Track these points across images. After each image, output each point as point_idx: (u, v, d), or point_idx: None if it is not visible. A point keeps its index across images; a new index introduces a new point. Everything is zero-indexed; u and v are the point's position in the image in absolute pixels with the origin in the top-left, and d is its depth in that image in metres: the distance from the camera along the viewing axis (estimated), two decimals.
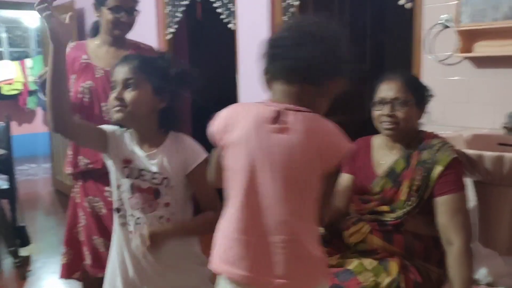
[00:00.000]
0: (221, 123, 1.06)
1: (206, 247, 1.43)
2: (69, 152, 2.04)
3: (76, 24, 4.31)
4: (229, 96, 3.49)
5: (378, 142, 1.77)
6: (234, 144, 1.00)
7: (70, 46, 2.11)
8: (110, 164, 1.53)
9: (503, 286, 1.64)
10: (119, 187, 1.49)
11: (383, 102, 1.66)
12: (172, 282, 1.51)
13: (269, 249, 0.95)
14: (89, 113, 1.98)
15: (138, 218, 1.47)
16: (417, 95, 1.67)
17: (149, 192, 1.46)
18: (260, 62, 1.12)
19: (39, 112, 7.56)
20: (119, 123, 1.51)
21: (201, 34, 4.32)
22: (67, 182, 4.15)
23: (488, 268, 1.67)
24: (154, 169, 1.46)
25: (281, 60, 1.06)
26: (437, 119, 2.27)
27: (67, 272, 2.04)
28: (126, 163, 1.48)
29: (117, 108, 1.42)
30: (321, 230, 1.75)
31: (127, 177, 1.47)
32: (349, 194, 1.78)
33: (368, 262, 1.53)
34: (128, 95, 1.42)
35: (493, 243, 1.87)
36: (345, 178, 1.80)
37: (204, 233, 1.47)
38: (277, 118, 1.02)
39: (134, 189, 1.47)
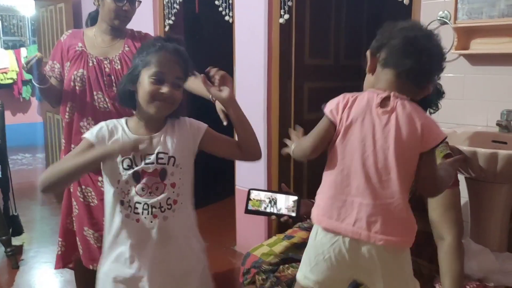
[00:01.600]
0: (341, 103, 1.19)
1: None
2: (63, 141, 2.03)
3: (72, 14, 4.29)
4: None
5: None
6: (350, 122, 1.14)
7: (67, 34, 2.10)
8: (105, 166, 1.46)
9: (494, 282, 1.66)
10: (119, 181, 1.44)
11: None
12: (172, 270, 1.50)
13: (376, 210, 1.10)
14: (81, 101, 1.97)
15: (145, 204, 1.44)
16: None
17: (155, 175, 1.44)
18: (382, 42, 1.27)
19: (34, 102, 7.52)
20: (156, 116, 1.47)
21: (198, 27, 4.30)
22: None
23: (479, 264, 1.68)
24: (160, 149, 1.45)
25: (410, 60, 1.17)
26: (431, 116, 2.27)
27: (62, 263, 2.04)
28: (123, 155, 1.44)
29: (165, 105, 1.43)
30: None
31: (129, 167, 1.43)
32: None
33: None
34: (177, 93, 1.44)
35: (484, 239, 1.89)
36: None
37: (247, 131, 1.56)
38: (385, 102, 1.17)
39: (140, 175, 1.44)
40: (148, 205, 1.44)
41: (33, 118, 7.35)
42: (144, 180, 1.43)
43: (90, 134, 1.44)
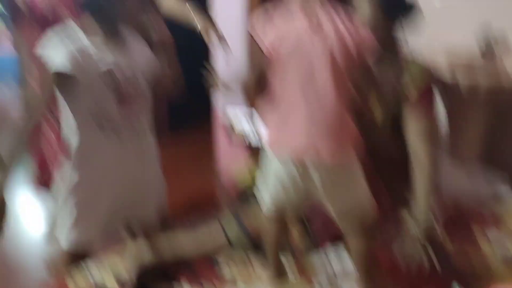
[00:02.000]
0: (270, 31, 1.15)
1: None
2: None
3: None
4: (202, 61, 3.35)
5: None
6: (283, 49, 1.12)
7: None
8: (83, 89, 1.39)
9: (463, 193, 1.72)
10: (98, 102, 1.39)
11: None
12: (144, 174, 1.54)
13: (320, 131, 1.12)
14: (44, 19, 1.91)
15: (125, 120, 1.44)
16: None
17: (132, 90, 1.44)
18: None
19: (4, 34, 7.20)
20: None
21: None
22: None
23: (451, 176, 1.73)
24: (133, 64, 1.44)
25: None
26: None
27: (39, 182, 2.06)
28: (107, 73, 1.40)
29: None
30: None
31: (112, 85, 1.40)
32: None
33: None
34: None
35: (457, 151, 1.93)
36: None
37: None
38: (314, 17, 1.13)
39: (120, 95, 1.41)
40: (129, 121, 1.45)
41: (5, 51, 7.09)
42: (123, 96, 1.42)
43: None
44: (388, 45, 1.55)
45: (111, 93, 1.40)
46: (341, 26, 1.13)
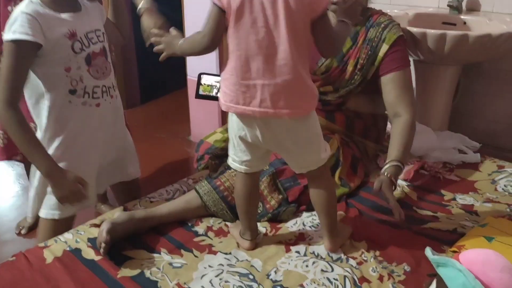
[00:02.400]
0: None
1: None
2: None
3: None
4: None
5: None
6: (239, 5, 1.08)
7: None
8: (47, 53, 1.33)
9: (433, 158, 1.77)
10: (68, 69, 1.35)
11: None
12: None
13: (277, 88, 1.12)
14: None
15: (103, 86, 1.43)
16: None
17: (101, 54, 1.42)
18: None
19: None
20: None
21: None
22: None
23: (420, 142, 1.76)
24: (94, 25, 1.41)
25: None
26: None
27: (6, 155, 1.99)
28: (72, 38, 1.35)
29: None
30: None
31: (81, 50, 1.36)
32: None
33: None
34: None
35: (428, 119, 1.98)
36: None
37: None
38: None
39: (90, 58, 1.38)
40: (105, 86, 1.43)
41: None
42: (94, 62, 1.39)
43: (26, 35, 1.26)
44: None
45: (81, 58, 1.36)
46: None
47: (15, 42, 1.26)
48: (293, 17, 1.08)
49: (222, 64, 2.89)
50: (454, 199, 1.53)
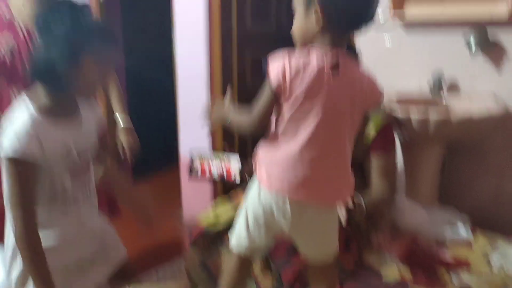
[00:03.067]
0: (288, 71, 1.11)
1: None
2: None
3: None
4: (166, 60, 3.40)
5: None
6: (300, 93, 1.10)
7: None
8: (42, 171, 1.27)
9: (425, 234, 1.77)
10: (53, 182, 1.31)
11: None
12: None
13: (328, 176, 1.13)
14: (12, 73, 1.86)
15: (81, 193, 1.39)
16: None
17: (87, 166, 1.41)
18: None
19: None
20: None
21: (136, 18, 4.10)
22: None
23: (412, 218, 1.79)
24: (90, 141, 1.40)
25: (359, 17, 1.14)
26: None
27: None
28: (66, 155, 1.31)
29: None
30: None
31: (70, 167, 1.33)
32: None
33: None
34: None
35: (417, 195, 2.01)
36: None
37: None
38: (336, 65, 1.12)
39: (76, 173, 1.35)
40: (84, 194, 1.40)
41: None
42: (80, 176, 1.37)
43: (15, 152, 1.19)
44: None
45: (67, 170, 1.33)
46: (361, 75, 1.15)
47: (15, 160, 1.19)
48: (352, 110, 1.12)
49: (215, 144, 2.95)
50: (449, 275, 1.52)
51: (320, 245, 1.22)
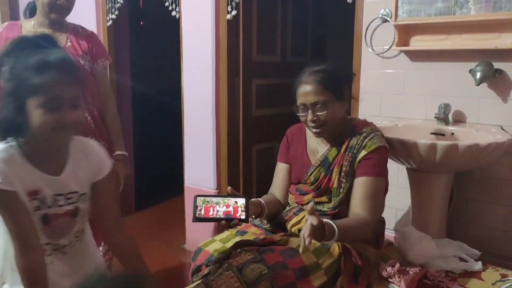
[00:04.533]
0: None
1: None
2: None
3: (8, 4, 4.06)
4: (172, 86, 3.45)
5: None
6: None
7: (3, 26, 1.99)
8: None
9: (435, 267, 1.74)
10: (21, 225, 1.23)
11: (305, 108, 1.65)
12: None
13: None
14: None
15: (56, 244, 1.33)
16: (336, 91, 1.64)
17: (68, 215, 1.32)
18: None
19: None
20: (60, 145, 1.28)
21: (143, 22, 4.21)
22: None
23: (420, 250, 1.76)
24: (71, 188, 1.31)
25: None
26: (374, 110, 2.36)
27: None
28: (33, 195, 1.25)
29: (68, 132, 1.25)
30: (265, 223, 1.78)
31: (37, 209, 1.26)
32: (287, 184, 1.82)
33: (312, 243, 1.56)
34: (79, 114, 1.24)
35: (426, 226, 1.98)
36: (281, 168, 1.83)
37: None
38: None
39: (48, 218, 1.28)
40: (59, 245, 1.34)
41: None
42: (54, 223, 1.30)
43: None
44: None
45: (33, 213, 1.26)
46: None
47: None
48: None
49: (219, 174, 2.94)
50: None
51: None
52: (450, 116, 2.13)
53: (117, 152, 2.10)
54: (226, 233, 1.82)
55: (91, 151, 1.39)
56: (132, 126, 3.71)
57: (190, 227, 3.07)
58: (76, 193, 1.33)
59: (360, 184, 1.62)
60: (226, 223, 1.55)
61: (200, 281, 1.51)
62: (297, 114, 1.69)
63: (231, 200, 1.52)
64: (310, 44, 3.60)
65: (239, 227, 1.82)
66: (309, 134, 1.78)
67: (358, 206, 1.59)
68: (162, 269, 2.75)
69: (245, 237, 1.74)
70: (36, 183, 1.24)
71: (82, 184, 1.35)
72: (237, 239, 1.75)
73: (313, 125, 1.65)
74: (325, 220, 1.41)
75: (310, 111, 1.63)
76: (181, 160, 3.09)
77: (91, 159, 1.37)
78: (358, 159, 1.64)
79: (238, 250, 1.62)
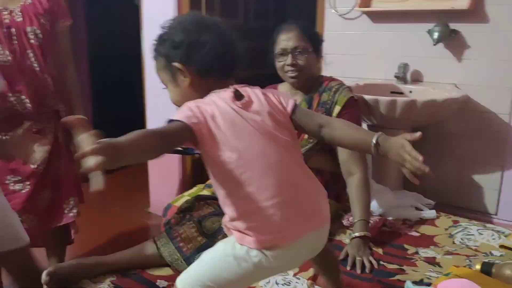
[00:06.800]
0: (198, 114, 0.98)
1: None
2: None
3: None
4: (133, 50, 3.36)
5: (283, 89, 1.86)
6: (223, 131, 0.97)
7: None
8: None
9: (393, 216, 1.84)
10: None
11: (284, 53, 1.75)
12: None
13: (303, 200, 1.03)
14: None
15: None
16: (314, 42, 1.78)
17: None
18: None
19: None
20: None
21: (102, 10, 4.01)
22: None
23: (380, 201, 1.85)
24: None
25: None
26: (337, 71, 2.41)
27: None
28: None
29: None
30: None
31: None
32: None
33: None
34: None
35: (385, 179, 2.08)
36: None
37: None
38: (239, 95, 1.03)
39: None
40: None
41: None
42: None
43: None
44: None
45: None
46: (264, 92, 1.08)
47: None
48: (279, 121, 1.04)
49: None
50: (417, 252, 1.59)
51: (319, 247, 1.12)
52: (408, 76, 2.21)
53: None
54: (194, 189, 1.85)
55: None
56: (90, 89, 3.63)
57: (154, 190, 3.07)
58: None
59: None
60: (191, 176, 1.59)
61: (164, 232, 1.56)
62: (275, 61, 1.77)
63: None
64: (271, 7, 3.60)
65: (207, 182, 1.85)
66: (281, 91, 1.82)
67: (349, 162, 1.69)
68: (127, 232, 2.75)
69: (212, 190, 1.77)
70: None
71: None
72: (205, 192, 1.79)
73: (291, 69, 1.72)
74: (358, 225, 1.59)
75: (290, 55, 1.73)
76: (141, 118, 3.03)
77: None
78: (334, 116, 1.71)
79: (202, 202, 1.66)
